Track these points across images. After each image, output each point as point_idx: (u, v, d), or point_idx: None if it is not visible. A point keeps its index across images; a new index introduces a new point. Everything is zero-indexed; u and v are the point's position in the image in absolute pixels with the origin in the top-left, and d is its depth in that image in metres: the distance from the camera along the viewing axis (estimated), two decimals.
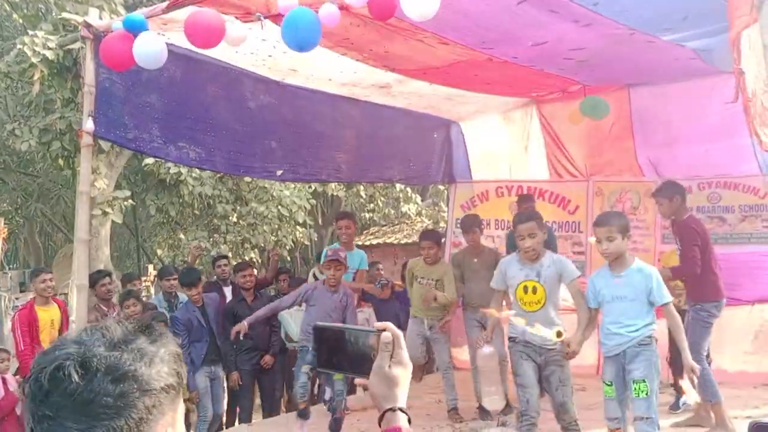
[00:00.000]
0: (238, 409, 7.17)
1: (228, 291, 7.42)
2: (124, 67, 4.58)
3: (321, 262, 5.53)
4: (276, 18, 4.14)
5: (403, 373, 1.31)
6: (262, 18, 4.15)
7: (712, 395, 5.20)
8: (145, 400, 1.00)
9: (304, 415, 5.72)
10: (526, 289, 4.71)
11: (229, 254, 12.99)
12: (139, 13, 4.57)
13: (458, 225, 8.47)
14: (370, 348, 1.32)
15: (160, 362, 1.05)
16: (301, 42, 4.03)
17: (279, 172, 6.89)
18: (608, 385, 4.38)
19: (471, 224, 6.40)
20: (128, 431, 0.98)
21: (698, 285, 5.33)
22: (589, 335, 4.63)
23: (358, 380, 1.37)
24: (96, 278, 6.78)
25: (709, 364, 5.43)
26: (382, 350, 1.29)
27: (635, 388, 4.20)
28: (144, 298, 9.49)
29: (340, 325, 1.53)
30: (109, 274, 7.20)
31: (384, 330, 1.31)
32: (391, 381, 1.29)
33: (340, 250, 5.90)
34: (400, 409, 1.29)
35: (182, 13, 4.35)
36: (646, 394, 4.17)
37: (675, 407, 6.03)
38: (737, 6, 3.02)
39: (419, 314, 6.32)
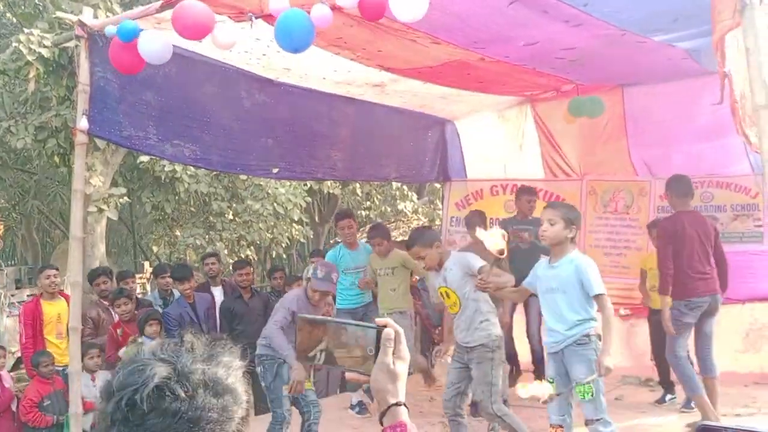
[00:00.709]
0: None
1: (218, 291, 7.40)
2: (136, 70, 4.63)
3: (312, 273, 5.41)
4: (268, 18, 4.16)
5: (404, 368, 1.34)
6: (253, 18, 4.16)
7: (692, 389, 5.37)
8: (240, 412, 1.03)
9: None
10: (443, 295, 4.81)
11: (225, 251, 13.05)
12: (131, 15, 4.60)
13: (453, 222, 8.53)
14: (369, 343, 1.32)
15: (241, 374, 1.07)
16: (295, 44, 4.05)
17: (275, 170, 6.91)
18: (551, 383, 4.18)
19: (476, 221, 6.44)
20: None
21: (674, 283, 5.47)
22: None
23: (349, 374, 1.38)
24: (93, 276, 6.85)
25: (692, 363, 5.52)
26: (386, 346, 1.31)
27: (579, 391, 4.08)
28: (140, 295, 9.54)
29: (332, 318, 1.53)
30: (106, 272, 7.22)
31: (385, 326, 1.32)
32: (394, 376, 1.32)
33: (333, 270, 5.53)
34: (403, 404, 1.32)
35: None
36: (592, 395, 4.05)
37: (661, 401, 6.26)
38: (720, 10, 3.06)
39: (392, 308, 6.35)
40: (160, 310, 6.91)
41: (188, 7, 4.10)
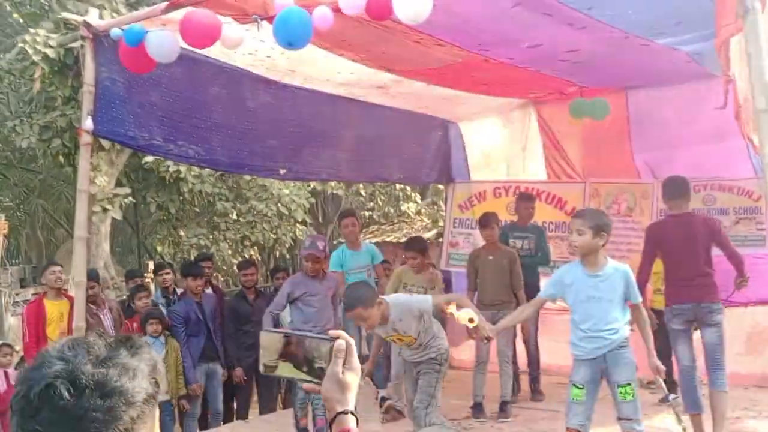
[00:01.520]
0: (235, 406, 7.23)
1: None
2: (148, 69, 4.67)
3: (301, 246, 5.64)
4: (273, 20, 4.18)
5: (354, 379, 1.40)
6: (258, 20, 4.19)
7: (687, 404, 5.14)
8: (130, 412, 1.06)
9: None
10: (395, 340, 4.82)
11: (229, 251, 13.08)
12: (137, 16, 4.63)
13: (456, 224, 8.54)
14: (323, 354, 1.38)
15: (141, 375, 1.11)
16: (291, 38, 4.04)
17: (282, 171, 6.94)
18: (579, 389, 4.23)
19: (489, 221, 6.41)
20: None
21: (665, 287, 5.44)
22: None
23: (306, 385, 1.45)
24: None
25: (688, 368, 5.24)
26: (337, 357, 1.37)
27: (621, 392, 4.16)
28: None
29: (290, 330, 1.59)
30: (93, 277, 7.24)
31: (337, 338, 1.38)
32: (344, 386, 1.38)
33: (318, 239, 5.94)
34: (351, 412, 1.38)
35: (180, 14, 4.41)
36: (633, 396, 4.16)
37: (665, 400, 6.20)
38: (723, 14, 3.07)
39: None
40: (163, 309, 6.96)
41: (194, 16, 4.13)
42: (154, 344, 6.21)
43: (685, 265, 5.21)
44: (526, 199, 7.11)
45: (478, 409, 6.13)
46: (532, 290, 6.44)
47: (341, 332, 1.38)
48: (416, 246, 6.40)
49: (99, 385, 1.05)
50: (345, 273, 6.56)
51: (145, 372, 1.12)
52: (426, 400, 4.68)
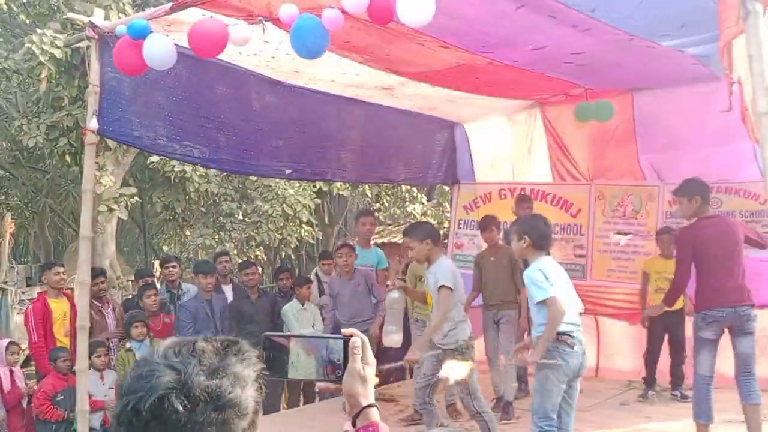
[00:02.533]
0: None
1: (228, 289, 7.45)
2: (139, 71, 4.66)
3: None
4: (278, 22, 4.18)
5: (372, 372, 1.43)
6: (264, 22, 4.19)
7: (697, 413, 5.01)
8: (242, 423, 1.05)
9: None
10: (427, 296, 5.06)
11: (235, 251, 13.10)
12: (143, 16, 4.64)
13: (461, 225, 8.53)
14: (337, 353, 1.41)
15: (250, 383, 1.09)
16: (311, 48, 4.08)
17: (288, 171, 6.96)
18: None
19: (489, 223, 6.50)
20: None
21: (696, 293, 5.22)
22: None
23: (320, 384, 1.45)
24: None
25: (707, 378, 5.03)
26: (354, 354, 1.39)
27: None
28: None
29: (300, 334, 1.61)
30: (103, 273, 7.30)
31: (352, 336, 1.41)
32: (365, 380, 1.40)
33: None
34: (375, 405, 1.40)
35: (186, 15, 4.42)
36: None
37: (644, 397, 6.50)
38: (725, 16, 3.06)
39: (421, 316, 6.39)
40: (168, 304, 7.00)
41: (202, 26, 4.15)
42: (140, 348, 6.22)
43: (723, 268, 5.01)
44: (523, 200, 7.21)
45: (506, 402, 6.15)
46: None
47: (354, 330, 1.42)
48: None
49: (213, 398, 1.02)
50: None
51: (253, 379, 1.09)
52: (465, 389, 4.79)
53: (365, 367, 1.40)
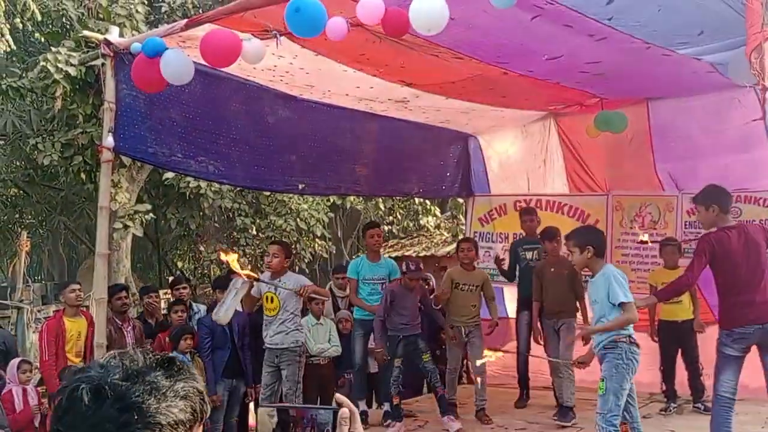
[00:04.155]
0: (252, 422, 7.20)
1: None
2: (158, 88, 4.66)
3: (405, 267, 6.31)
4: (292, 35, 4.17)
5: None
6: (278, 36, 4.19)
7: None
8: None
9: (396, 413, 6.09)
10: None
11: (249, 267, 13.08)
12: (157, 33, 4.65)
13: (476, 238, 8.47)
14: (328, 423, 1.42)
15: (174, 397, 1.09)
16: (307, 22, 3.88)
17: (301, 186, 6.96)
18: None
19: (555, 234, 6.58)
20: None
21: (719, 309, 4.98)
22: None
23: None
24: (112, 292, 6.86)
25: (727, 401, 4.78)
26: (341, 425, 1.39)
27: (599, 386, 4.56)
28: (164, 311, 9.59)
29: (289, 405, 1.60)
30: (126, 288, 7.28)
31: (341, 406, 1.41)
32: None
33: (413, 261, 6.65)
34: None
35: (200, 31, 4.43)
36: (603, 392, 4.48)
37: (666, 410, 6.40)
38: (752, 22, 3.01)
39: (458, 323, 6.53)
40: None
41: (214, 36, 4.14)
42: (184, 360, 6.20)
43: (749, 282, 4.76)
44: (525, 213, 7.33)
45: (565, 409, 6.26)
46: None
47: (344, 399, 1.42)
48: (470, 242, 7.00)
49: (119, 398, 1.05)
50: (359, 281, 6.70)
51: (180, 395, 1.10)
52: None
53: None
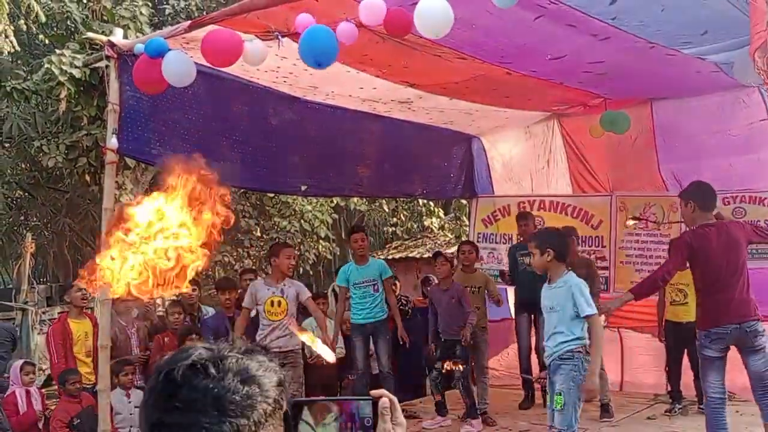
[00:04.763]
0: None
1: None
2: (158, 89, 4.67)
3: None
4: (294, 36, 4.18)
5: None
6: (280, 37, 4.19)
7: None
8: (264, 405, 1.09)
9: (440, 408, 6.47)
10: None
11: (253, 268, 13.10)
12: (161, 35, 4.66)
13: (480, 239, 8.46)
14: (366, 414, 1.38)
15: (275, 376, 1.14)
16: (319, 57, 4.05)
17: (303, 188, 6.96)
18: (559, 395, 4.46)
19: (570, 234, 6.51)
20: (248, 431, 1.06)
21: (698, 308, 4.95)
22: None
23: None
24: None
25: (717, 401, 4.79)
26: (383, 414, 1.37)
27: (556, 400, 4.38)
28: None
29: (331, 398, 1.58)
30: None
31: (381, 397, 1.39)
32: None
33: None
34: None
35: (203, 33, 4.43)
36: (561, 406, 4.30)
37: (671, 411, 6.41)
38: (756, 21, 3.00)
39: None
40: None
41: (216, 36, 4.15)
42: None
43: (726, 282, 4.71)
44: (521, 218, 7.36)
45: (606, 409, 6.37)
46: (536, 306, 6.60)
47: (383, 391, 1.40)
48: (470, 245, 7.15)
49: (242, 371, 1.09)
50: (351, 287, 6.72)
51: (275, 378, 1.14)
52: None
53: (395, 428, 1.38)
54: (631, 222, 7.29)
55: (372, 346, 6.74)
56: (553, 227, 6.37)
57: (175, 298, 7.53)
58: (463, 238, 9.86)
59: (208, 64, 4.88)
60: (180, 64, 4.42)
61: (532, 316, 6.80)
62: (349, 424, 1.38)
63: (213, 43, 4.17)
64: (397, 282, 7.92)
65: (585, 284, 4.48)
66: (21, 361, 6.69)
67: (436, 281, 7.13)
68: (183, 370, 1.07)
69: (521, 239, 7.28)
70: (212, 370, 1.07)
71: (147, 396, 1.12)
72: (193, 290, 7.56)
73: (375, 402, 1.37)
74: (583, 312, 4.33)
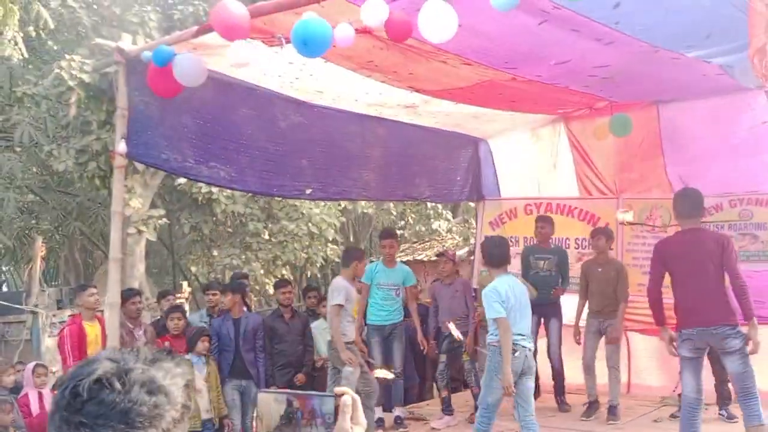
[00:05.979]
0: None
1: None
2: (173, 93, 4.73)
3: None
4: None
5: (360, 431, 1.45)
6: (283, 40, 4.23)
7: None
8: (172, 413, 1.10)
9: (446, 406, 6.52)
10: None
11: (261, 271, 13.17)
12: (169, 40, 4.72)
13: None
14: (330, 410, 1.46)
15: (182, 382, 1.15)
16: (307, 38, 3.89)
17: (308, 191, 6.99)
18: None
19: (597, 232, 6.77)
20: None
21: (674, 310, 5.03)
22: None
23: None
24: (126, 296, 6.94)
25: (691, 401, 4.86)
26: (344, 412, 1.41)
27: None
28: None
29: (293, 392, 1.62)
30: (140, 293, 7.37)
31: (343, 394, 1.43)
32: None
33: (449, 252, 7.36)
34: None
35: (211, 38, 4.48)
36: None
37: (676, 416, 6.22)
38: (754, 24, 3.02)
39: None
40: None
41: (224, 10, 4.13)
42: (197, 363, 6.26)
43: (692, 285, 4.80)
44: (540, 219, 7.26)
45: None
46: (552, 311, 6.79)
47: (346, 389, 1.44)
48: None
49: (147, 382, 1.09)
50: (373, 286, 6.72)
51: (182, 383, 1.15)
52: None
53: (354, 427, 1.41)
54: (620, 215, 7.28)
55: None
56: (498, 236, 6.50)
57: (171, 301, 7.62)
58: (472, 241, 9.89)
59: (216, 69, 4.95)
60: (190, 65, 4.48)
61: (542, 319, 6.79)
62: (310, 420, 1.41)
63: (222, 17, 4.12)
64: (418, 288, 7.96)
65: (496, 290, 4.94)
66: (33, 363, 6.76)
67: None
68: (89, 385, 1.06)
69: (536, 241, 7.24)
70: (117, 385, 1.06)
71: (53, 410, 1.10)
72: (214, 294, 7.68)
73: (339, 399, 1.42)
74: (490, 316, 4.96)
